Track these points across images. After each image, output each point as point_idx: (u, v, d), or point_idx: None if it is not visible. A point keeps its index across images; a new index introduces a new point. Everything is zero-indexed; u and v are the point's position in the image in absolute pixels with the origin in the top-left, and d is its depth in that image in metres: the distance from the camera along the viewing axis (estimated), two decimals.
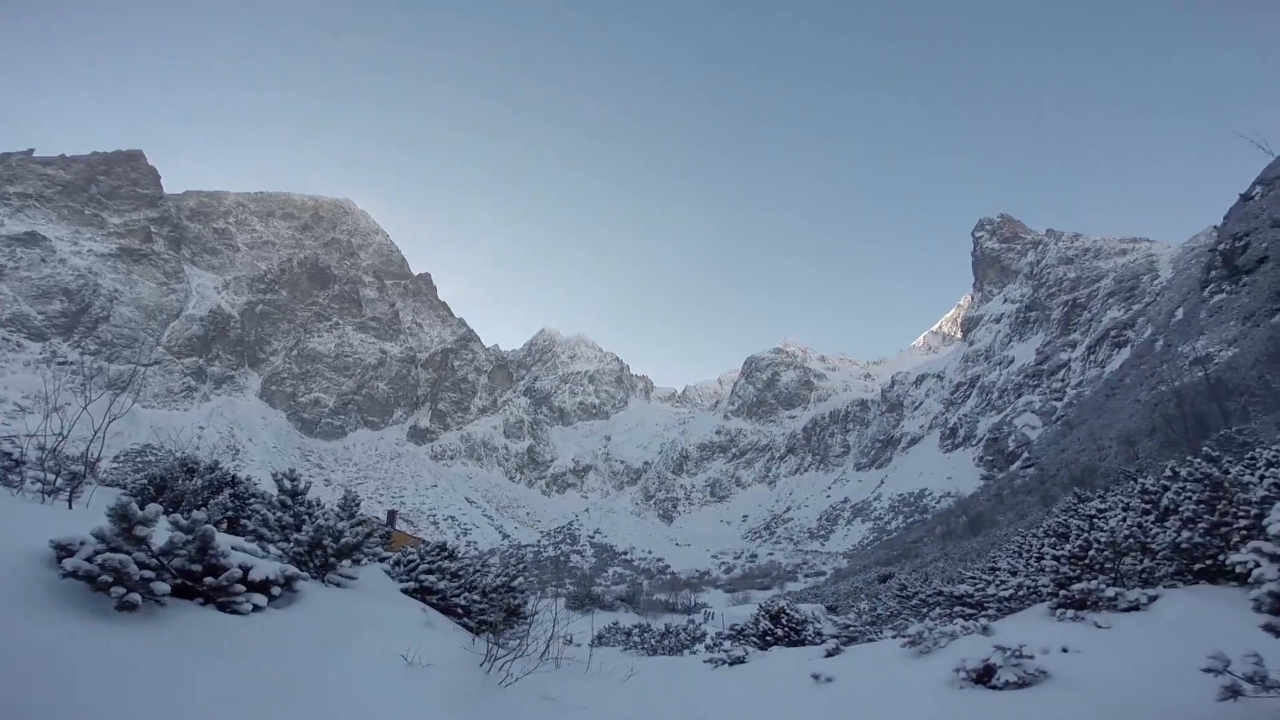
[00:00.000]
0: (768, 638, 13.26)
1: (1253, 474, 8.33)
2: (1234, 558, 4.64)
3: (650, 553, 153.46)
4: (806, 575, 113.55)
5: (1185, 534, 8.24)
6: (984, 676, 6.10)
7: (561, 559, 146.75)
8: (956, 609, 10.96)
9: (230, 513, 8.33)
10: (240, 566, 5.18)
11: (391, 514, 24.63)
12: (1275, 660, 3.40)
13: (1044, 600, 9.09)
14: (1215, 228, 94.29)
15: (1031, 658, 6.06)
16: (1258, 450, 9.46)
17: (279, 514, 7.99)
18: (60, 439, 7.36)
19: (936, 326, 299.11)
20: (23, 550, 4.08)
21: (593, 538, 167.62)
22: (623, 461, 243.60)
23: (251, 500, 9.23)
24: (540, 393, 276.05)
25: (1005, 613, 10.11)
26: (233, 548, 5.55)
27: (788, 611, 13.91)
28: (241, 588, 5.13)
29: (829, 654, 9.42)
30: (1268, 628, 3.59)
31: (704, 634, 16.61)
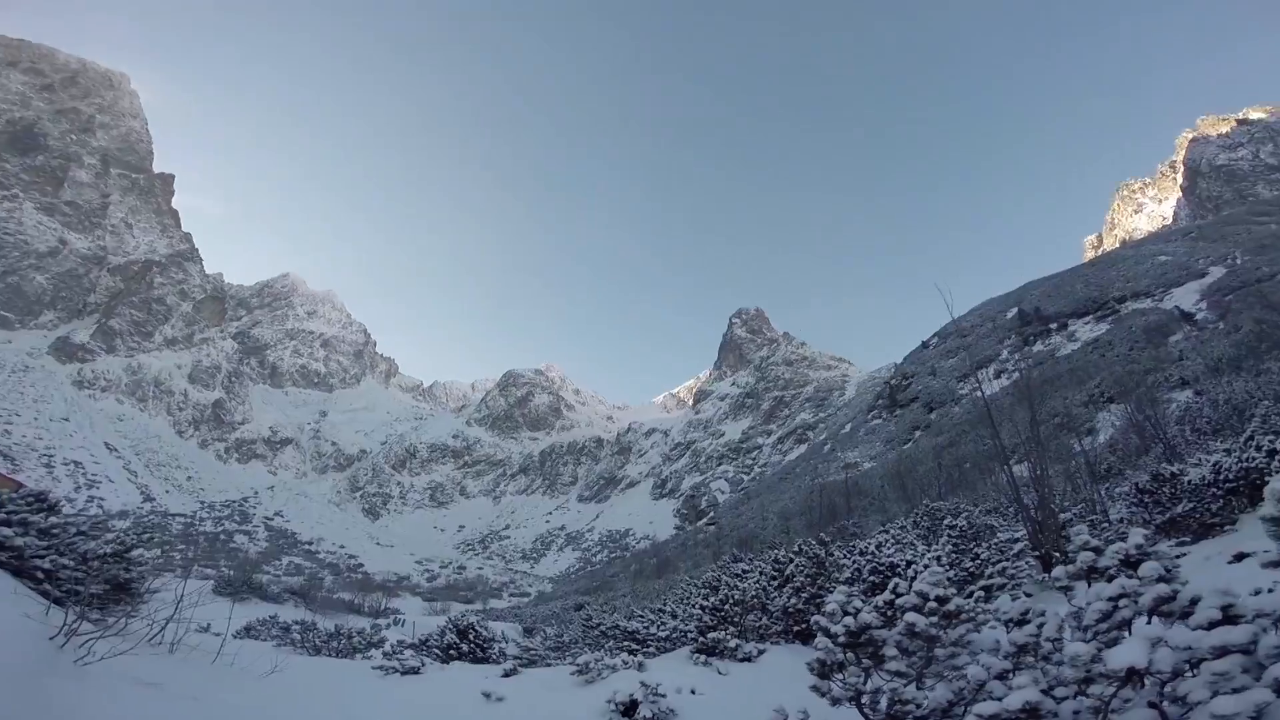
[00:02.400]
0: (451, 651, 12.92)
1: (847, 558, 10.94)
2: (813, 625, 5.99)
3: (343, 547, 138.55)
4: (512, 594, 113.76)
5: (794, 600, 10.40)
6: (629, 710, 6.81)
7: (223, 537, 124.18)
8: (626, 643, 12.04)
9: None
10: None
11: None
12: (819, 715, 4.40)
13: (689, 643, 10.52)
14: (895, 365, 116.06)
15: (665, 696, 6.95)
16: (857, 541, 12.46)
17: None
18: None
19: (676, 390, 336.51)
20: None
21: (271, 520, 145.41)
22: (335, 443, 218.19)
23: None
24: (256, 341, 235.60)
25: (662, 651, 11.42)
26: None
27: (476, 628, 13.76)
28: None
29: (506, 674, 9.53)
30: (814, 688, 4.66)
31: (384, 640, 15.42)
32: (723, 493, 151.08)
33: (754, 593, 10.73)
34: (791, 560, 11.17)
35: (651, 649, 11.54)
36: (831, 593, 9.64)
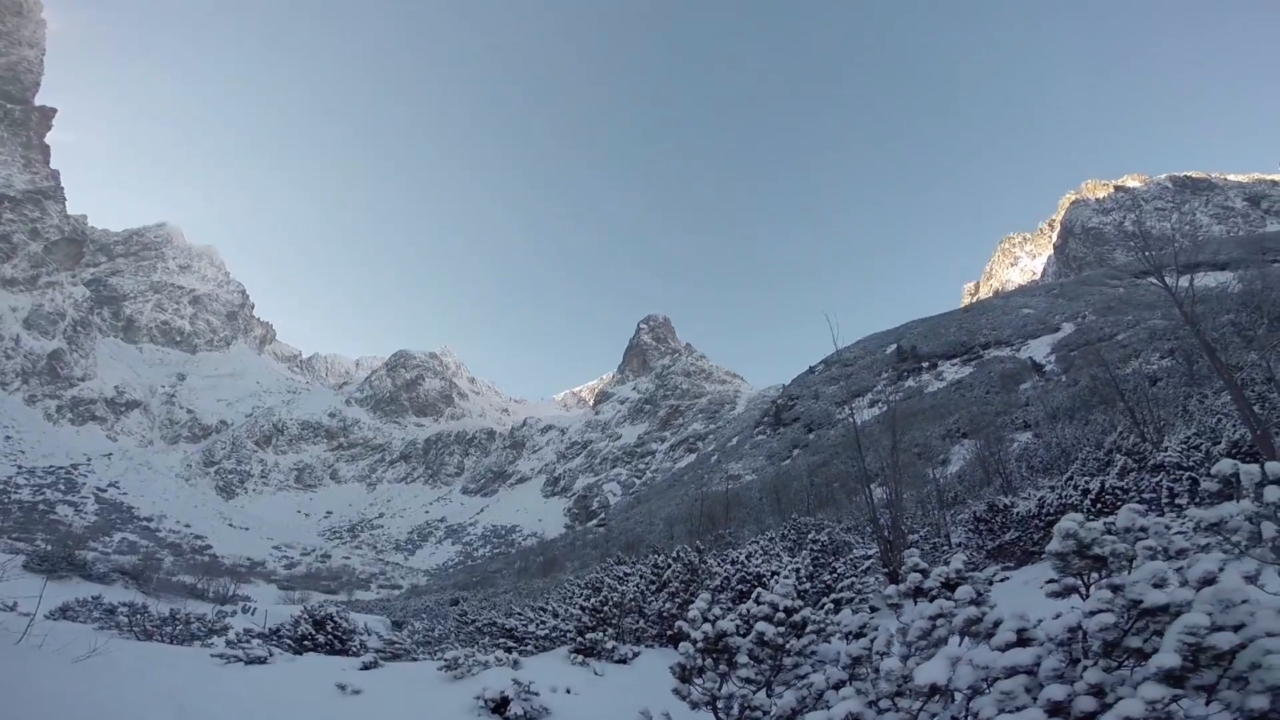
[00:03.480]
0: (305, 642, 12.17)
1: (720, 566, 11.61)
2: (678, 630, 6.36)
3: (188, 527, 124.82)
4: (381, 586, 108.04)
5: (669, 604, 10.90)
6: (500, 707, 6.85)
7: (43, 507, 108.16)
8: (502, 640, 12.00)
9: None
10: None
11: None
12: (683, 717, 4.70)
13: (568, 643, 10.71)
14: (783, 385, 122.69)
15: (538, 695, 7.07)
16: (730, 550, 13.21)
17: None
18: None
19: (578, 389, 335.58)
20: None
21: (104, 491, 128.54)
22: (191, 411, 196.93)
23: None
24: (113, 290, 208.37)
25: (541, 650, 11.50)
26: None
27: (335, 619, 13.07)
28: None
29: (365, 667, 9.17)
30: (675, 691, 4.98)
31: (228, 628, 14.18)
32: (615, 495, 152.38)
33: (633, 595, 11.09)
34: (669, 566, 11.67)
35: (530, 647, 11.58)
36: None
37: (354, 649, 12.43)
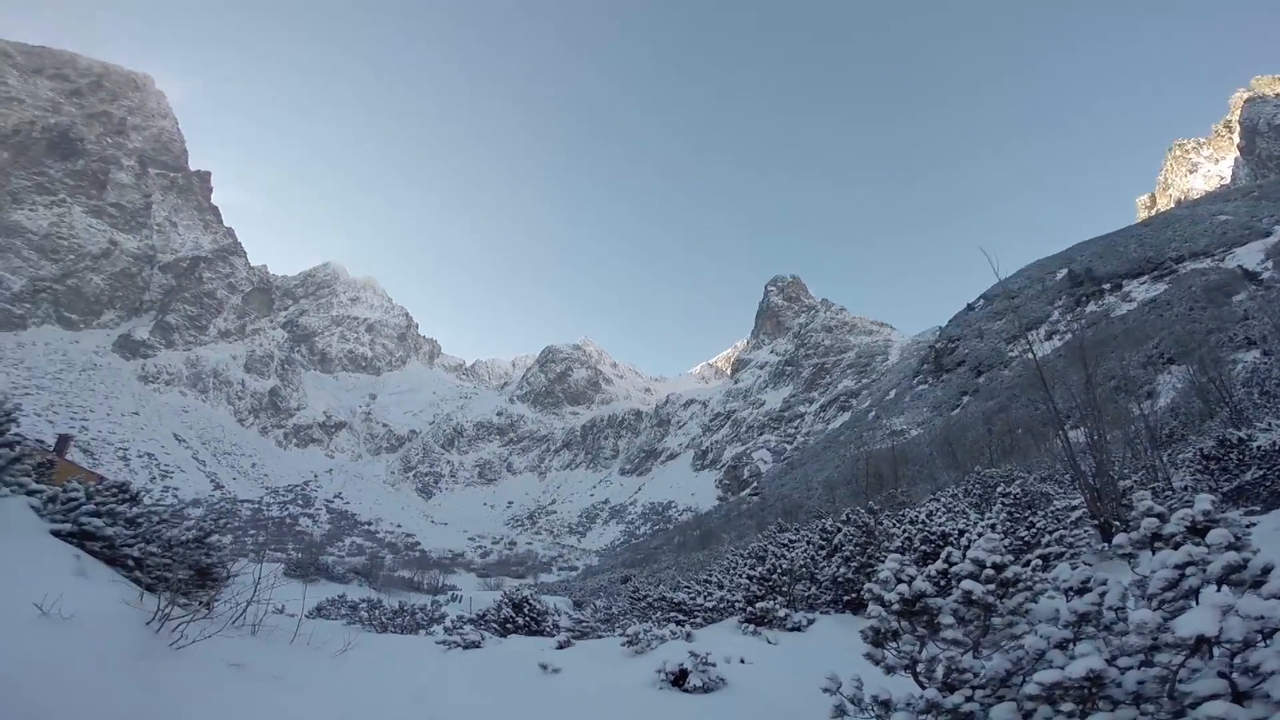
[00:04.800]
0: (508, 625, 13.43)
1: (897, 527, 10.81)
2: (865, 594, 5.97)
3: (400, 527, 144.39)
4: (560, 568, 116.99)
5: (843, 569, 10.37)
6: (679, 679, 6.94)
7: (288, 521, 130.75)
8: (673, 614, 12.27)
9: None
10: None
11: (63, 439, 19.63)
12: (874, 684, 4.41)
13: (737, 614, 10.64)
14: (940, 328, 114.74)
15: (715, 665, 7.05)
16: (906, 510, 12.27)
17: None
18: None
19: (713, 361, 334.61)
20: None
21: (331, 502, 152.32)
22: (386, 425, 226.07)
23: None
24: (304, 330, 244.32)
25: (709, 622, 11.59)
26: None
27: (530, 601, 14.24)
28: None
29: (560, 646, 9.85)
30: (868, 656, 4.64)
31: (444, 616, 16.14)
32: (765, 463, 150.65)
33: (802, 562, 10.75)
34: (839, 530, 11.11)
35: (699, 619, 11.72)
36: (882, 562, 9.60)
37: (548, 629, 13.47)
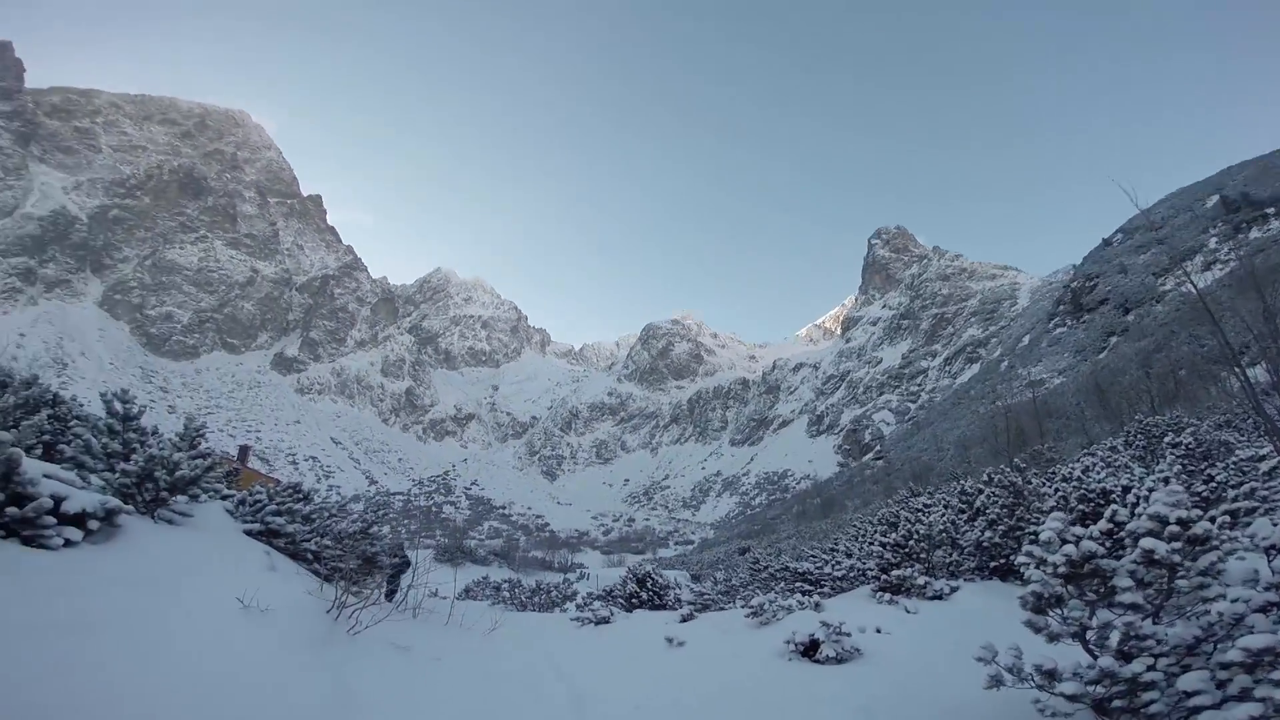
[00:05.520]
0: (633, 600, 13.93)
1: (1049, 486, 9.80)
2: (1018, 559, 5.46)
3: (530, 509, 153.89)
4: (677, 543, 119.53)
5: (988, 534, 9.58)
6: (809, 650, 6.77)
7: (434, 509, 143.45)
8: (798, 585, 12.03)
9: (47, 436, 7.24)
10: (52, 496, 4.65)
11: (244, 450, 22.70)
12: (1034, 654, 4.04)
13: (869, 582, 10.21)
14: (1074, 266, 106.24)
15: (849, 635, 6.79)
16: (1058, 467, 11.12)
17: (105, 440, 7.10)
18: None
19: (821, 321, 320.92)
20: None
21: (469, 489, 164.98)
22: (509, 413, 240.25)
23: (74, 423, 8.09)
24: (427, 332, 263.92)
25: (838, 591, 11.24)
26: (45, 475, 4.93)
27: (653, 577, 14.69)
28: (52, 520, 4.60)
29: (684, 619, 10.04)
30: (1028, 624, 4.27)
31: (576, 593, 17.10)
32: (888, 424, 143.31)
33: (941, 527, 10.08)
34: (981, 491, 10.29)
35: (826, 589, 11.41)
36: (1033, 524, 8.78)
37: (670, 603, 13.81)
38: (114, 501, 5.21)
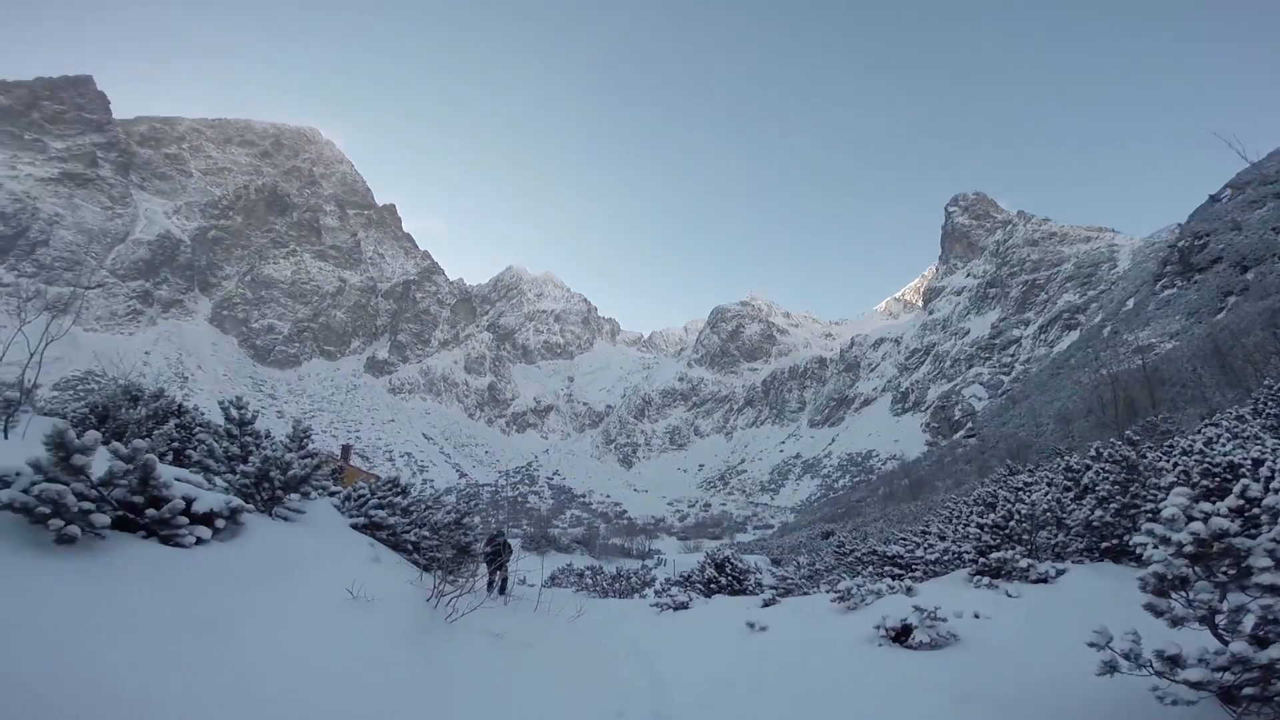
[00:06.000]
0: (712, 585, 13.90)
1: (1167, 460, 8.95)
2: (1135, 538, 5.04)
3: (608, 497, 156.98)
4: (755, 527, 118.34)
5: (1098, 513, 8.86)
6: (901, 635, 6.53)
7: (520, 500, 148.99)
8: (887, 569, 11.64)
9: (176, 444, 8.07)
10: (183, 498, 5.09)
11: (346, 448, 24.44)
12: (1154, 639, 3.73)
13: (966, 566, 9.72)
14: (1179, 225, 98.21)
15: (945, 621, 6.47)
16: (1176, 439, 10.13)
17: (225, 444, 7.80)
18: None
19: (900, 294, 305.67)
20: None
21: (551, 479, 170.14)
22: (585, 403, 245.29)
23: (198, 430, 8.98)
24: (504, 329, 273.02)
25: (930, 575, 10.78)
26: (176, 479, 5.43)
27: (732, 561, 14.60)
28: (184, 520, 5.06)
29: (765, 604, 9.93)
30: (1148, 607, 3.94)
31: (654, 579, 17.34)
32: (979, 399, 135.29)
33: (1045, 506, 9.43)
34: (1089, 467, 9.53)
35: (918, 573, 11.00)
36: (1149, 502, 8.05)
37: (750, 588, 13.70)
38: (237, 501, 5.70)
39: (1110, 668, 3.82)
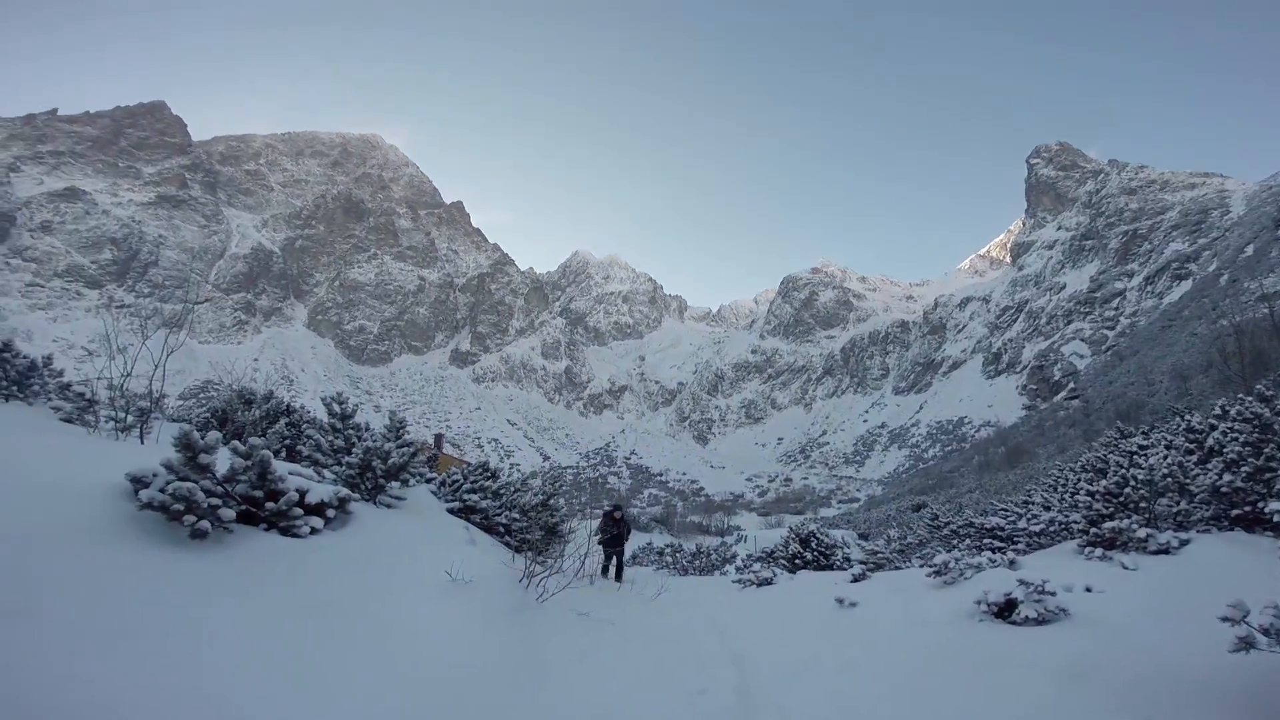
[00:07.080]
0: (796, 561, 13.60)
1: None
2: (1271, 505, 4.51)
3: (684, 474, 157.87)
4: (840, 501, 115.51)
5: (1227, 477, 8.02)
6: (1004, 611, 6.18)
7: (600, 480, 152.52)
8: (985, 541, 11.07)
9: (287, 441, 8.77)
10: (297, 490, 5.51)
11: (438, 437, 25.78)
12: None
13: (1074, 537, 9.08)
14: None
15: (1054, 595, 6.05)
16: None
17: (330, 438, 8.38)
18: (125, 376, 7.69)
19: (985, 251, 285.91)
20: (104, 485, 4.40)
21: (629, 459, 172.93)
22: (658, 382, 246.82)
23: (306, 427, 9.72)
24: (575, 313, 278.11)
25: (1035, 548, 10.16)
26: (290, 473, 5.90)
27: (817, 536, 14.16)
28: (299, 511, 5.49)
29: (855, 579, 9.64)
30: None
31: (735, 555, 17.36)
32: (1081, 356, 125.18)
33: (1165, 471, 8.63)
34: (1215, 426, 8.64)
35: (1021, 546, 10.39)
36: None
37: (838, 563, 13.34)
38: (344, 491, 6.13)
39: (1246, 644, 3.47)
